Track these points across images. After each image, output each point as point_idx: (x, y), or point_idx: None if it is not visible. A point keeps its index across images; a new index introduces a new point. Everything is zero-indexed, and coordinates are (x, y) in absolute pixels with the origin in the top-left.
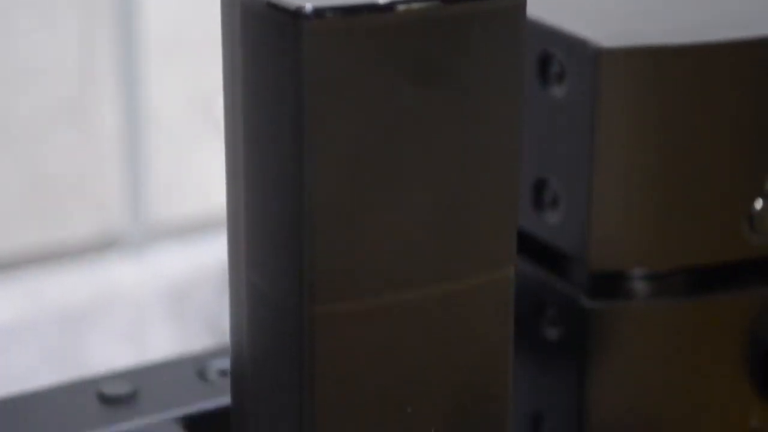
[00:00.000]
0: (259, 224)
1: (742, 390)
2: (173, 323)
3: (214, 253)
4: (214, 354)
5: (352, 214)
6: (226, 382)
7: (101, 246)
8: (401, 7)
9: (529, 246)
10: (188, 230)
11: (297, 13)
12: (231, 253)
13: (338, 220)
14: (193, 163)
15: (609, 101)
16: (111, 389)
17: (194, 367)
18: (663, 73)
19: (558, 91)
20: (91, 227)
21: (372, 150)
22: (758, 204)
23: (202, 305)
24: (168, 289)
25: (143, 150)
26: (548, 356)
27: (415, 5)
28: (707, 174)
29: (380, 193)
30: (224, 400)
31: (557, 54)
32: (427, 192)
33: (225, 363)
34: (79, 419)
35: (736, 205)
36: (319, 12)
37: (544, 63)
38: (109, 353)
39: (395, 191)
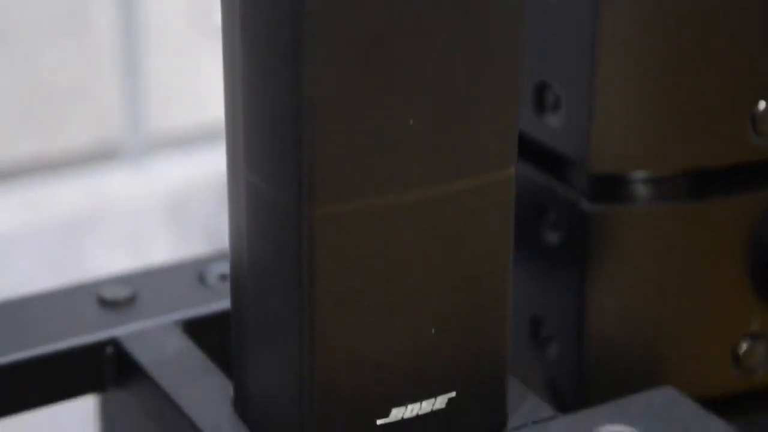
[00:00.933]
0: (258, 125)
1: (743, 294)
2: (172, 233)
3: (213, 163)
4: (214, 258)
5: (352, 114)
6: (226, 287)
7: (100, 156)
8: None
9: (531, 150)
10: (187, 141)
11: None
12: (229, 156)
13: (338, 120)
14: (192, 73)
15: (611, 1)
16: (111, 293)
17: (194, 271)
18: None
19: None
20: (90, 137)
21: (372, 48)
22: (762, 105)
23: (200, 215)
24: (166, 199)
25: (142, 60)
26: (548, 260)
27: None
28: (710, 75)
29: (380, 93)
30: (224, 304)
31: None
32: (427, 92)
33: (225, 267)
34: (78, 323)
35: (740, 107)
36: None
37: None
38: (108, 262)
39: (396, 90)
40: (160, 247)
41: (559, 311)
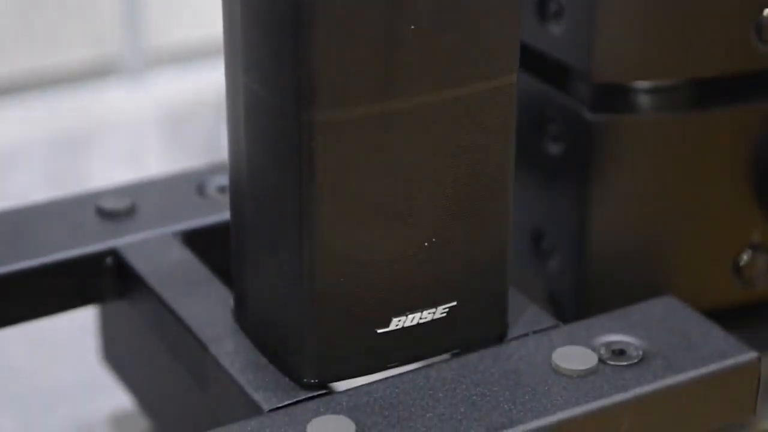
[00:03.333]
0: (257, 30)
1: (745, 205)
2: (171, 149)
3: (212, 79)
4: (213, 170)
5: (351, 19)
6: (225, 199)
7: (99, 71)
8: None
9: (533, 60)
10: (186, 56)
11: None
12: (228, 64)
13: (337, 25)
14: None
15: None
16: (110, 204)
17: (193, 183)
18: None
19: None
20: (89, 52)
21: None
22: (766, 13)
23: (199, 131)
24: (165, 115)
25: None
26: (550, 172)
27: None
28: None
29: None
30: (223, 216)
31: None
32: None
33: (224, 180)
34: (78, 233)
35: (745, 14)
36: None
37: None
38: (107, 177)
39: None
40: (159, 163)
41: (560, 223)
